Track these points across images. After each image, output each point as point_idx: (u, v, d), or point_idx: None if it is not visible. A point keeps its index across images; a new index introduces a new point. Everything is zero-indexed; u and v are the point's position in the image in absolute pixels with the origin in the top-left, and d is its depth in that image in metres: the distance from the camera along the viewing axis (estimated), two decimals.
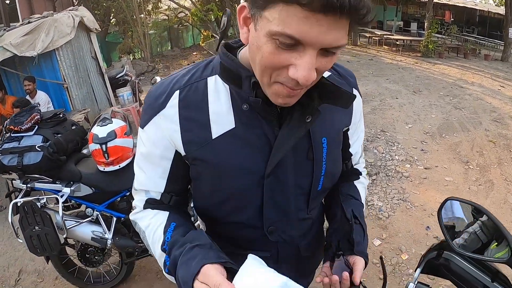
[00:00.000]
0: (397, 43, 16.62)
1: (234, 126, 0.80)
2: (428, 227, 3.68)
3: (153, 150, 0.84)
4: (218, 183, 0.83)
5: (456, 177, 4.85)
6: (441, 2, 28.12)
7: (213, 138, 0.80)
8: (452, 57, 16.56)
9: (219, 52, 0.82)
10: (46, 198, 2.49)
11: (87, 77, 7.61)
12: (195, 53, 19.03)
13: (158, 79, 3.79)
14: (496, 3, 19.86)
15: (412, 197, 4.23)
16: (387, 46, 17.12)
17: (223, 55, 0.80)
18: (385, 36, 17.57)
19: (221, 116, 0.80)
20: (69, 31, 6.63)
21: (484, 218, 1.13)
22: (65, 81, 6.54)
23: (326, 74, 0.90)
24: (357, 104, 0.98)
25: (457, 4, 29.34)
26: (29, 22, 6.39)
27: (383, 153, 5.28)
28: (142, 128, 0.84)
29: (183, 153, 0.83)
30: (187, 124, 0.80)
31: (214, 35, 12.98)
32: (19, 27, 6.36)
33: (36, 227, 2.38)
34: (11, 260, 3.60)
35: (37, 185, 2.50)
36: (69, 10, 7.77)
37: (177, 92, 0.81)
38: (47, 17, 6.57)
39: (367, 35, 18.92)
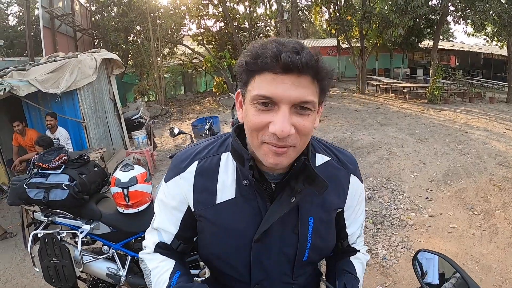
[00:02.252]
0: (404, 90, 16.85)
1: (234, 196, 0.97)
2: None
3: (171, 202, 1.03)
4: (216, 239, 1.00)
5: (460, 223, 4.89)
6: (446, 48, 28.65)
7: (216, 202, 0.98)
8: (457, 102, 16.68)
9: (231, 134, 1.01)
10: (66, 232, 2.63)
11: (105, 117, 7.82)
12: (207, 98, 19.45)
13: (176, 129, 4.08)
14: (499, 46, 20.15)
15: (416, 245, 4.27)
16: (394, 93, 17.32)
17: (233, 138, 0.98)
18: (392, 84, 17.82)
19: (226, 186, 0.98)
20: (91, 73, 6.89)
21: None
22: (84, 120, 6.71)
23: (325, 158, 1.06)
24: (355, 189, 1.09)
25: (462, 49, 29.74)
26: (54, 61, 6.63)
27: (388, 202, 5.35)
28: (166, 182, 1.04)
29: (192, 209, 1.01)
30: (199, 188, 0.99)
31: (231, 94, 13.45)
32: (44, 63, 6.60)
33: (54, 259, 2.51)
34: (19, 287, 3.69)
35: (58, 219, 2.65)
36: (92, 52, 8.13)
37: (196, 162, 1.01)
38: (72, 57, 6.85)
39: (375, 83, 19.17)
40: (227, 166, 1.00)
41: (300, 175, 0.93)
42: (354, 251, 1.19)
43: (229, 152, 1.01)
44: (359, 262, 1.18)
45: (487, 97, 17.87)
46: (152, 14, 16.61)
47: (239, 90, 0.91)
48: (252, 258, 0.99)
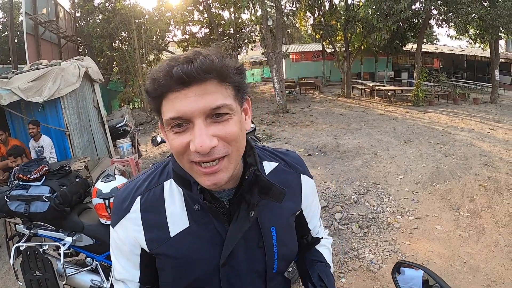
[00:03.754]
0: (389, 93, 17.00)
1: (188, 225, 0.90)
2: None
3: (123, 247, 0.95)
4: (179, 274, 0.93)
5: (447, 224, 4.92)
6: (429, 50, 29.17)
7: (171, 236, 0.90)
8: (442, 104, 16.90)
9: (171, 159, 0.94)
10: (48, 245, 2.59)
11: (89, 126, 7.71)
12: None
13: (159, 138, 4.05)
14: (482, 47, 20.59)
15: (403, 248, 4.29)
16: (379, 97, 17.48)
17: (173, 162, 0.90)
18: (376, 87, 18.02)
19: (177, 216, 0.91)
20: (74, 81, 6.78)
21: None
22: (67, 129, 6.61)
23: (273, 165, 1.03)
24: (308, 187, 1.08)
25: (445, 52, 30.35)
26: (37, 68, 6.52)
27: (374, 205, 5.35)
28: (113, 227, 0.95)
29: (147, 249, 0.93)
30: (149, 226, 0.91)
31: None
32: (27, 71, 6.49)
33: (37, 272, 2.47)
34: None
35: (40, 231, 2.61)
36: (75, 59, 8.00)
37: (138, 198, 0.92)
38: (54, 65, 6.73)
39: (360, 87, 19.33)
40: (173, 194, 0.93)
41: (254, 187, 0.89)
42: (318, 240, 1.20)
43: (171, 179, 0.94)
44: (324, 248, 1.20)
45: (471, 98, 18.19)
46: (137, 21, 16.56)
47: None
48: (222, 284, 0.94)
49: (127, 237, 0.94)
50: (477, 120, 13.06)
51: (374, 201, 5.50)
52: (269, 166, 1.02)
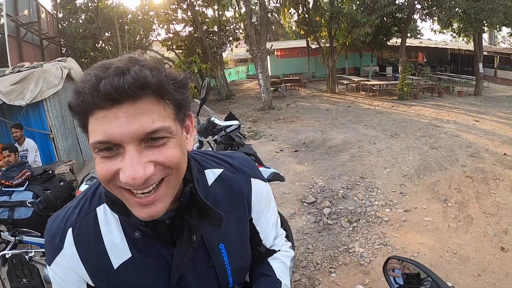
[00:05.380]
0: (374, 88, 17.15)
1: (130, 255, 0.80)
2: None
3: (66, 286, 0.84)
4: None
5: (435, 216, 4.98)
6: (413, 45, 29.50)
7: (115, 268, 0.80)
8: (427, 97, 17.11)
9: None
10: (34, 251, 2.52)
11: (73, 128, 7.60)
12: None
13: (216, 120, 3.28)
14: (465, 41, 20.96)
15: (393, 240, 4.32)
16: (364, 92, 17.60)
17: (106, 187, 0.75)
18: (362, 82, 18.11)
19: (116, 246, 0.80)
20: (57, 82, 6.69)
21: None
22: (51, 132, 6.53)
23: (218, 171, 0.93)
24: (259, 192, 0.98)
25: (429, 46, 30.77)
26: (19, 71, 6.42)
27: (362, 199, 5.36)
28: (49, 265, 0.83)
29: (92, 284, 0.83)
30: (88, 259, 0.80)
31: (195, 99, 13.43)
32: (9, 74, 6.41)
33: (24, 280, 2.40)
34: None
35: (26, 238, 2.54)
36: (58, 61, 7.89)
37: (70, 230, 0.81)
38: (36, 67, 6.64)
39: (345, 82, 19.42)
40: (108, 221, 0.81)
41: (192, 208, 0.80)
42: (273, 252, 1.08)
43: (105, 204, 0.82)
44: (278, 262, 1.06)
45: (456, 91, 18.47)
46: (120, 20, 16.38)
47: None
48: None
49: (68, 274, 0.82)
50: (462, 112, 13.24)
51: (362, 195, 5.51)
52: (212, 175, 0.92)
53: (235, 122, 2.75)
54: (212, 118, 2.77)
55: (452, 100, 16.53)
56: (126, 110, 0.61)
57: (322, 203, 5.20)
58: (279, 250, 1.09)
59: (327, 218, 4.84)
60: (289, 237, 3.18)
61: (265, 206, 1.00)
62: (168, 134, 0.66)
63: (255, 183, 0.97)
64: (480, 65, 18.86)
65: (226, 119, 2.84)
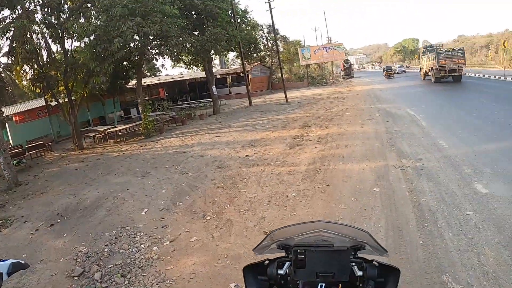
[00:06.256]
0: (120, 133, 17.05)
1: None
2: None
3: None
4: None
5: (199, 233, 5.40)
6: (153, 82, 31.39)
7: None
8: (172, 128, 18.39)
9: None
10: None
11: None
12: None
13: None
14: (199, 70, 24.12)
15: (168, 274, 4.46)
16: (112, 139, 17.30)
17: None
18: (107, 130, 17.79)
19: None
20: None
21: None
22: None
23: None
24: None
25: (168, 80, 33.45)
26: None
27: (129, 249, 5.30)
28: None
29: None
30: None
31: None
32: None
33: None
34: None
35: None
36: None
37: None
38: None
39: (91, 134, 18.59)
40: None
41: None
42: None
43: None
44: None
45: (197, 115, 20.53)
46: None
47: None
48: None
49: None
50: (204, 132, 14.85)
51: (127, 244, 5.45)
52: None
53: None
54: None
55: (195, 124, 18.33)
56: None
57: (91, 269, 4.89)
58: None
59: (100, 282, 4.58)
60: None
61: None
62: None
63: None
64: (214, 87, 21.80)
65: None
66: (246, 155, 9.66)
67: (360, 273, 1.50)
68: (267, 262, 1.65)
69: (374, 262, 1.55)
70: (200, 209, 6.31)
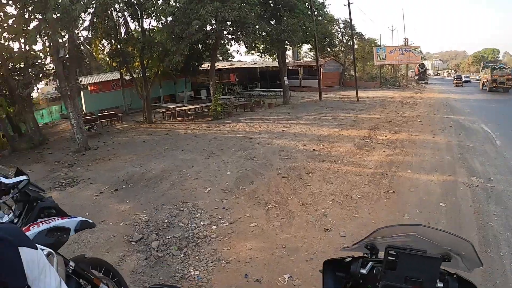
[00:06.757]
0: (189, 112, 17.56)
1: None
2: (246, 275, 3.96)
3: None
4: None
5: (259, 220, 5.35)
6: (225, 67, 31.91)
7: None
8: (240, 113, 18.55)
9: None
10: None
11: None
12: None
13: None
14: (271, 59, 24.21)
15: (224, 254, 4.45)
16: (181, 117, 17.96)
17: None
18: (177, 108, 18.46)
19: None
20: None
21: None
22: None
23: None
24: (31, 260, 0.97)
25: (239, 67, 33.85)
26: None
27: (188, 224, 5.38)
28: None
29: None
30: None
31: None
32: None
33: None
34: None
35: None
36: None
37: None
38: None
39: (161, 110, 19.42)
40: None
41: None
42: None
43: None
44: None
45: (266, 103, 20.51)
46: None
47: None
48: None
49: None
50: (273, 121, 14.76)
51: (187, 219, 5.53)
52: None
53: (23, 177, 2.49)
54: None
55: (263, 112, 18.34)
56: None
57: (149, 237, 5.01)
58: None
59: (156, 251, 4.67)
60: (121, 283, 2.95)
61: (41, 273, 0.99)
62: None
63: (23, 251, 0.95)
64: (285, 78, 21.70)
65: (15, 175, 2.53)
66: (314, 149, 9.45)
67: (440, 284, 1.45)
68: (349, 259, 1.62)
69: (455, 276, 1.50)
70: (262, 197, 6.25)
